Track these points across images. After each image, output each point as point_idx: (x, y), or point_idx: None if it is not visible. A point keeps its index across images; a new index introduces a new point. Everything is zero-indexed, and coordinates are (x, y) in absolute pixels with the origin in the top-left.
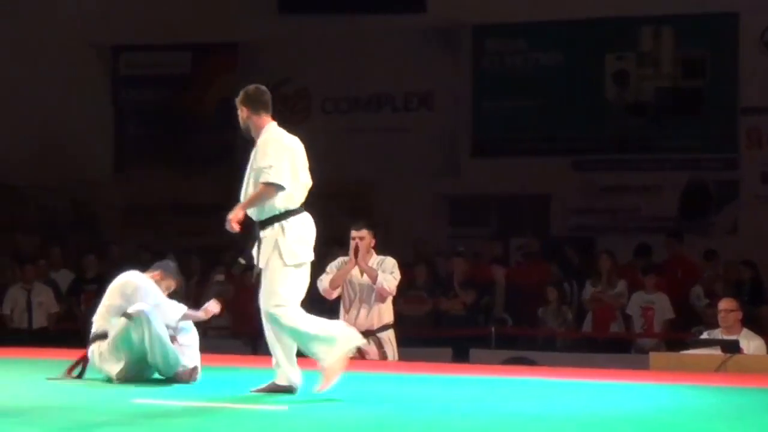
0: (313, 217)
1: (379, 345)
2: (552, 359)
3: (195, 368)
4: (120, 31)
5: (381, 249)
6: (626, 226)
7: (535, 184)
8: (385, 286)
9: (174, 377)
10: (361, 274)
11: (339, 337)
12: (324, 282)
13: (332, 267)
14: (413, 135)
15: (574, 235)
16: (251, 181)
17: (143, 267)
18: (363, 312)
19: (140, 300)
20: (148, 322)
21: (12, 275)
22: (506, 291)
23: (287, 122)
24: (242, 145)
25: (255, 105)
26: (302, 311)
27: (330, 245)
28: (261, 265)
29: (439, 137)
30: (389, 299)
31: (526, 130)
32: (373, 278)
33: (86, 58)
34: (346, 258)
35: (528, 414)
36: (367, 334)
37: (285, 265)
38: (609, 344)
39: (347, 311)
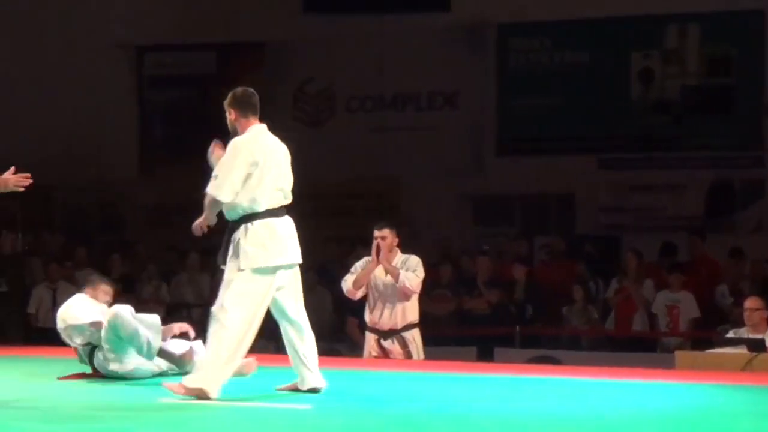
0: (339, 217)
1: (403, 344)
2: (577, 358)
3: (191, 348)
4: (146, 31)
5: (405, 248)
6: (651, 224)
7: (560, 182)
8: (407, 284)
9: (179, 363)
10: (385, 274)
11: (219, 375)
12: (348, 282)
13: (357, 267)
14: (438, 134)
15: (600, 233)
16: None
17: (168, 266)
18: (386, 311)
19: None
20: (116, 315)
21: (38, 275)
22: (527, 290)
23: (312, 121)
24: None
25: (243, 108)
26: (242, 326)
27: (355, 244)
28: (222, 266)
29: (464, 136)
30: (414, 298)
31: (551, 128)
32: (395, 277)
33: (112, 58)
34: (371, 258)
35: (554, 413)
36: (391, 333)
37: (239, 268)
38: (634, 343)
39: (371, 311)
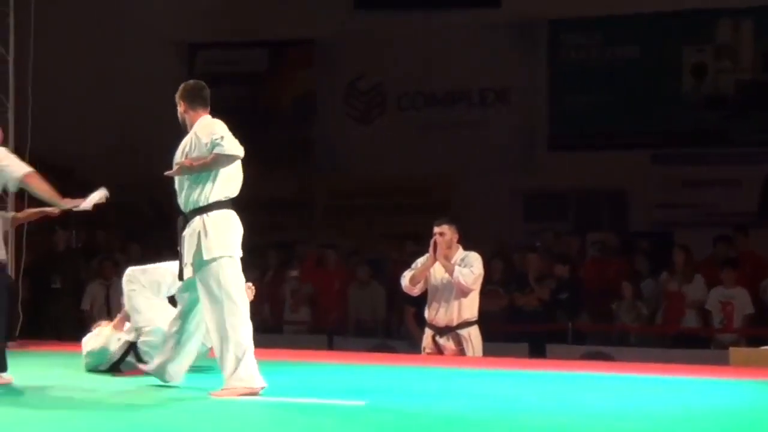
0: (390, 213)
1: (458, 342)
2: (629, 354)
3: None
4: (197, 28)
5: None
6: (705, 220)
7: (613, 178)
8: (462, 280)
9: None
10: (443, 270)
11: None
12: (406, 278)
13: (417, 263)
14: (489, 130)
15: (652, 229)
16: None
17: None
18: (443, 308)
19: None
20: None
21: (92, 271)
22: (570, 287)
23: (363, 118)
24: (320, 140)
25: (191, 100)
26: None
27: (405, 240)
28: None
29: (515, 132)
30: (472, 295)
31: (603, 124)
32: (450, 272)
33: (164, 55)
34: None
35: (608, 410)
36: (447, 330)
37: (212, 258)
38: (686, 340)
39: (429, 307)
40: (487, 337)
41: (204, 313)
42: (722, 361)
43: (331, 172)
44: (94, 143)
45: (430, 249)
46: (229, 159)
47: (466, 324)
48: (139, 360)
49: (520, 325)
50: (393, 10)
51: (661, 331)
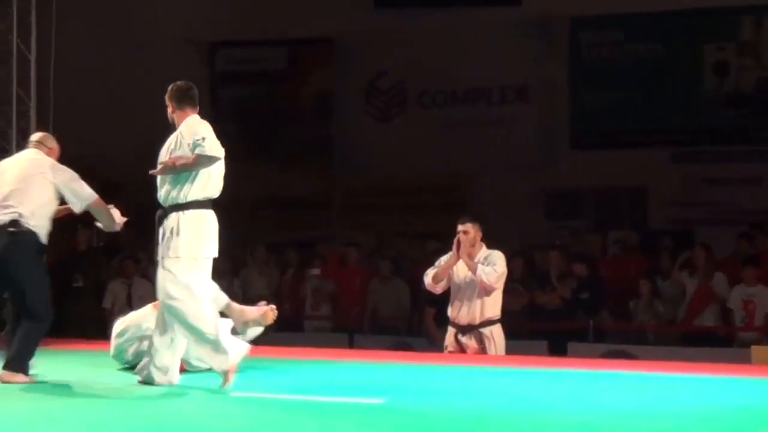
0: (410, 210)
1: (480, 340)
2: (650, 353)
3: None
4: (217, 27)
5: None
6: (726, 218)
7: (634, 176)
8: (485, 279)
9: None
10: (466, 269)
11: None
12: (429, 276)
13: (440, 261)
14: (510, 128)
15: (673, 227)
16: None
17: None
18: (465, 306)
19: None
20: None
21: (113, 270)
22: (589, 285)
23: (383, 116)
24: (339, 138)
25: (179, 100)
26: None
27: (426, 239)
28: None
29: (536, 131)
30: (495, 294)
31: (624, 122)
32: (473, 271)
33: (184, 54)
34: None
35: (631, 409)
36: (469, 328)
37: (177, 256)
38: (708, 338)
39: (452, 305)
40: (508, 335)
41: (162, 306)
42: (744, 360)
43: (351, 170)
44: (115, 142)
45: (454, 247)
46: (210, 160)
47: (489, 322)
48: None
49: (541, 323)
50: (413, 8)
51: (682, 330)
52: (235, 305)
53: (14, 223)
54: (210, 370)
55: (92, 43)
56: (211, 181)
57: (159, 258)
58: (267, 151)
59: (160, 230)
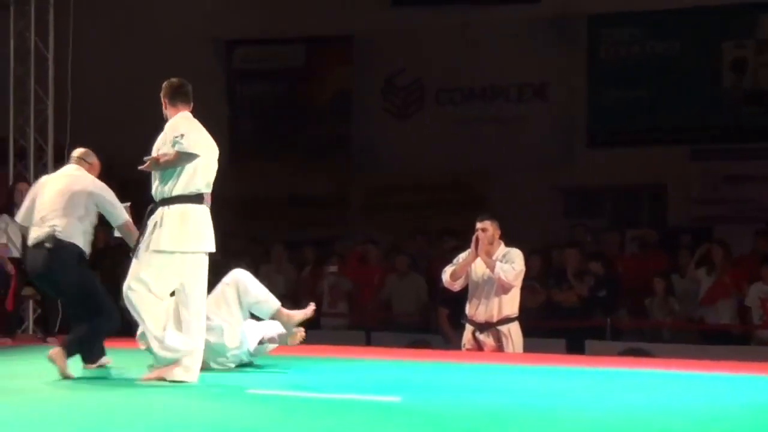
0: (428, 208)
1: (497, 338)
2: (668, 351)
3: None
4: (235, 25)
5: None
6: (745, 216)
7: (652, 174)
8: (503, 277)
9: None
10: (484, 266)
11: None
12: (446, 273)
13: (459, 258)
14: (527, 126)
15: (692, 225)
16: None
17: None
18: (483, 304)
19: None
20: None
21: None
22: (608, 284)
23: (401, 114)
24: (357, 136)
25: (172, 97)
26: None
27: (443, 235)
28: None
29: (553, 128)
30: (513, 292)
31: (642, 119)
32: (492, 269)
33: (202, 52)
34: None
35: (648, 406)
36: (487, 326)
37: (157, 250)
38: (726, 336)
39: (469, 303)
40: (525, 333)
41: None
42: (762, 358)
43: (369, 168)
44: (133, 140)
45: (472, 245)
46: (188, 157)
47: (507, 320)
48: None
49: (558, 321)
50: (431, 5)
51: (700, 328)
52: (284, 310)
53: (51, 238)
54: (230, 369)
55: (110, 41)
56: (196, 177)
57: (139, 249)
58: (285, 149)
59: (148, 224)
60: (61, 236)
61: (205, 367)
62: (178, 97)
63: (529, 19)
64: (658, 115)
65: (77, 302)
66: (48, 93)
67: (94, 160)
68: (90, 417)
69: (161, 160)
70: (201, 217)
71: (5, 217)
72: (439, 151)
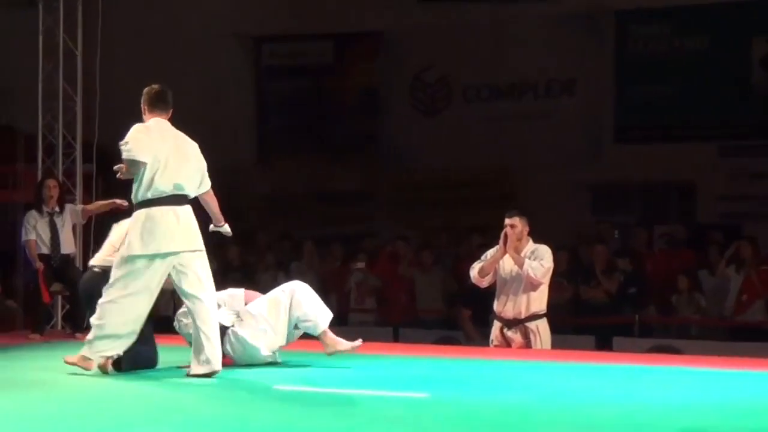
0: (455, 204)
1: (525, 334)
2: (697, 348)
3: None
4: (262, 21)
5: None
6: None
7: (680, 170)
8: (531, 274)
9: None
10: (512, 263)
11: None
12: (475, 270)
13: (487, 255)
14: (555, 122)
15: (721, 222)
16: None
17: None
18: (511, 300)
19: None
20: None
21: None
22: (637, 280)
23: (428, 110)
24: (384, 133)
25: (149, 104)
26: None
27: (471, 233)
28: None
29: (581, 124)
30: (542, 288)
31: (670, 115)
32: (520, 265)
33: (229, 49)
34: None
35: (677, 403)
36: (515, 322)
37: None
38: (755, 333)
39: (497, 300)
40: (553, 329)
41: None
42: None
43: (396, 164)
44: None
45: (501, 241)
46: (132, 164)
47: (535, 317)
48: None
49: (586, 317)
50: (459, 1)
51: (729, 325)
52: (330, 334)
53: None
54: (257, 365)
55: (138, 37)
56: (157, 180)
57: None
58: (313, 146)
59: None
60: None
61: (232, 364)
62: (156, 104)
63: (557, 16)
64: (687, 111)
65: None
66: (76, 89)
67: None
68: (121, 411)
69: (124, 168)
70: (160, 219)
71: (34, 213)
72: (467, 148)
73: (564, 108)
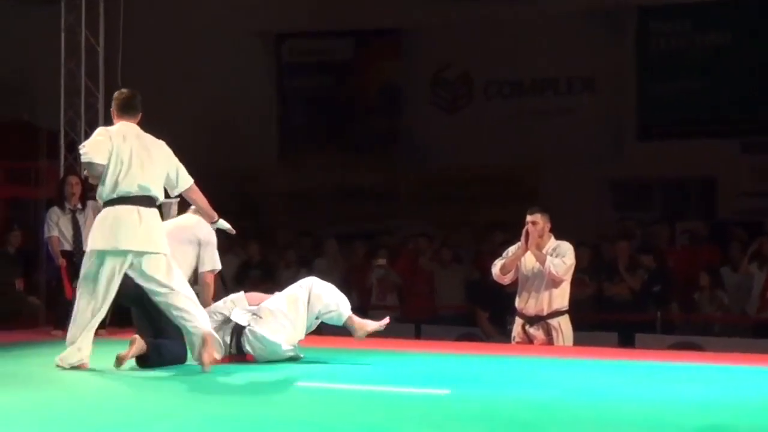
0: (477, 201)
1: (547, 331)
2: (719, 345)
3: None
4: (284, 19)
5: None
6: None
7: (702, 167)
8: (553, 271)
9: None
10: (534, 260)
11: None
12: (496, 267)
13: (508, 252)
14: (577, 119)
15: (743, 218)
16: None
17: (304, 252)
18: (533, 297)
19: None
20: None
21: None
22: (661, 278)
23: (449, 107)
24: (405, 130)
25: (118, 109)
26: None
27: (493, 230)
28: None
29: (603, 121)
30: (564, 285)
31: (692, 112)
32: (542, 262)
33: (251, 46)
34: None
35: (699, 400)
36: (537, 319)
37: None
38: None
39: (519, 296)
40: (575, 326)
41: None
42: None
43: (418, 161)
44: (180, 134)
45: (522, 238)
46: (89, 166)
47: (557, 313)
48: (239, 349)
49: (608, 314)
50: None
51: (752, 321)
52: (356, 318)
53: None
54: (278, 361)
55: (160, 34)
56: (120, 182)
57: None
58: (334, 143)
59: None
60: None
61: (254, 360)
62: (125, 109)
63: (579, 12)
64: (709, 107)
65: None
66: (98, 86)
67: None
68: (143, 406)
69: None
70: (124, 218)
71: (56, 210)
72: (488, 145)
73: (585, 104)
